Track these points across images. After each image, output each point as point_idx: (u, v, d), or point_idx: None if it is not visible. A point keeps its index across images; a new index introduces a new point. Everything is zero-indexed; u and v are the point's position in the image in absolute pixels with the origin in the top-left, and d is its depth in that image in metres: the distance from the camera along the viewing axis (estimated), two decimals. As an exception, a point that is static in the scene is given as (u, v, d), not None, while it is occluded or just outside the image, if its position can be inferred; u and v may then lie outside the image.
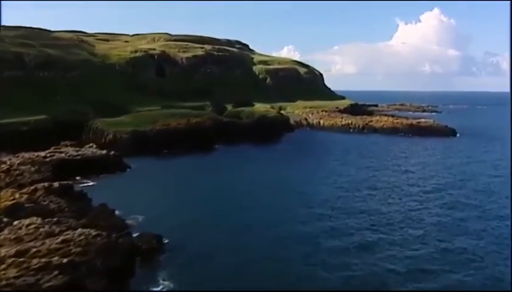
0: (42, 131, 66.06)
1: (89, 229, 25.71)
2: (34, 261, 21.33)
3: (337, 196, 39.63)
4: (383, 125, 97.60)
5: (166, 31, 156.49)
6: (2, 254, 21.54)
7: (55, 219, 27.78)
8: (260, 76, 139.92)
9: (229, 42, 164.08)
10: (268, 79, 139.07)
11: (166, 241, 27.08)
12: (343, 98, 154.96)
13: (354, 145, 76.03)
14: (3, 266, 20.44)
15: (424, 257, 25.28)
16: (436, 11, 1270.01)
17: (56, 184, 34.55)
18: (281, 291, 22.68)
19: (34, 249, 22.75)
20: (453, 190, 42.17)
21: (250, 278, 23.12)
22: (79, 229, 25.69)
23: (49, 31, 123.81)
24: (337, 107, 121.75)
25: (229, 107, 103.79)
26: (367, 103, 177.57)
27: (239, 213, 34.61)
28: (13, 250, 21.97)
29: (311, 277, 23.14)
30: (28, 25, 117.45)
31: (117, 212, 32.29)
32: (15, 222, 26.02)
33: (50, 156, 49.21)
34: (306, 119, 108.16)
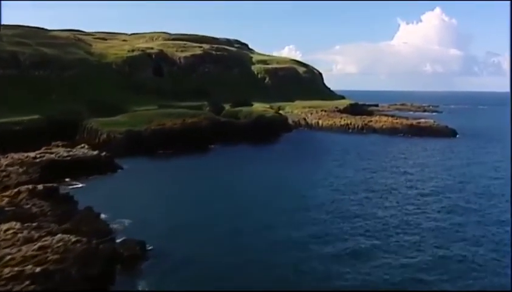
0: (35, 130, 65.04)
1: (69, 235, 24.56)
2: (7, 270, 20.19)
3: (332, 199, 38.43)
4: (382, 125, 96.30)
5: (166, 31, 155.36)
6: (-26, 263, 20.45)
7: (35, 224, 26.64)
8: (259, 75, 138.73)
9: (228, 42, 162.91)
10: (267, 79, 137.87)
11: (150, 247, 25.89)
12: (342, 98, 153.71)
13: (353, 145, 74.80)
14: (-28, 276, 19.34)
15: (420, 266, 24.05)
16: (437, 10, 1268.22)
17: (40, 187, 33.42)
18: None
19: (9, 257, 21.61)
20: (452, 193, 40.91)
21: (236, 286, 21.94)
22: (59, 235, 24.54)
23: (46, 30, 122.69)
24: (336, 107, 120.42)
25: (227, 107, 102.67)
26: (368, 103, 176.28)
27: (231, 217, 33.44)
28: (-15, 258, 20.88)
29: (299, 286, 21.95)
30: (26, 25, 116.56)
31: (102, 216, 31.22)
32: (-8, 228, 24.91)
33: (40, 157, 48.11)
34: (304, 119, 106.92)
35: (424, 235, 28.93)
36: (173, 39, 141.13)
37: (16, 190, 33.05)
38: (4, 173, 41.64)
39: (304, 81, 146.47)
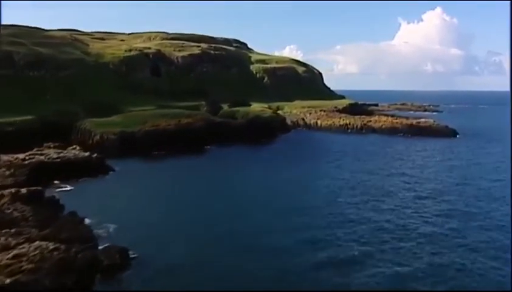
0: (28, 131, 63.94)
1: (47, 242, 23.48)
2: (-24, 281, 19.11)
3: (327, 203, 37.22)
4: (382, 125, 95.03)
5: (165, 31, 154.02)
6: None
7: (13, 230, 25.57)
8: (258, 75, 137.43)
9: (227, 41, 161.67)
10: (266, 79, 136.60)
11: (134, 255, 24.67)
12: (342, 97, 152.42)
13: (351, 146, 73.62)
14: None
15: (416, 274, 22.83)
16: (438, 10, 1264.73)
17: (24, 190, 32.32)
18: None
19: (-19, 267, 20.55)
20: (451, 195, 39.66)
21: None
22: (37, 242, 23.46)
23: (43, 30, 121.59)
24: (335, 107, 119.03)
25: (225, 107, 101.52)
26: (368, 103, 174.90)
27: (223, 222, 32.24)
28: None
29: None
30: (23, 24, 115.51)
31: (87, 221, 30.01)
32: (-33, 235, 23.81)
33: (29, 159, 46.97)
34: (303, 119, 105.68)
35: (421, 240, 27.69)
36: (171, 39, 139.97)
37: (-2, 193, 31.94)
38: (-10, 176, 40.49)
39: (303, 81, 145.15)
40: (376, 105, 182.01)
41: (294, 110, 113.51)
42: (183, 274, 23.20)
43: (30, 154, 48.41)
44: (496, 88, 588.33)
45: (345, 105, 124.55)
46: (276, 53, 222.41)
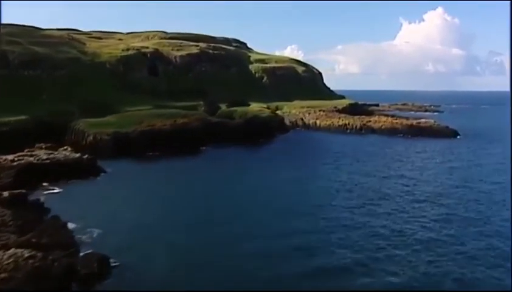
0: (22, 132, 62.96)
1: (23, 249, 22.35)
2: None
3: (322, 206, 36.05)
4: (381, 126, 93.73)
5: (164, 30, 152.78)
6: None
7: (-10, 236, 24.51)
8: (257, 75, 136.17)
9: (226, 41, 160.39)
10: (265, 78, 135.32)
11: (115, 263, 23.50)
12: (342, 97, 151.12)
13: (350, 146, 72.40)
14: None
15: (411, 284, 21.66)
16: (439, 10, 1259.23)
17: (6, 194, 31.26)
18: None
19: (-50, 277, 19.45)
20: (450, 199, 38.42)
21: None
22: (12, 249, 22.35)
23: (40, 29, 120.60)
24: (335, 107, 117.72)
25: (224, 107, 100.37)
26: (368, 103, 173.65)
27: (213, 227, 31.13)
28: None
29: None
30: (20, 24, 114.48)
31: (70, 226, 28.97)
32: None
33: (18, 160, 45.93)
34: (302, 119, 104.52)
35: (417, 247, 26.45)
36: (169, 38, 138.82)
37: (-21, 197, 30.88)
38: (-25, 178, 39.45)
39: (303, 81, 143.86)
40: (377, 105, 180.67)
41: (293, 110, 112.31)
42: (167, 284, 22.04)
43: (19, 155, 47.34)
44: (497, 88, 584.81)
45: (344, 105, 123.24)
46: (278, 53, 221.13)
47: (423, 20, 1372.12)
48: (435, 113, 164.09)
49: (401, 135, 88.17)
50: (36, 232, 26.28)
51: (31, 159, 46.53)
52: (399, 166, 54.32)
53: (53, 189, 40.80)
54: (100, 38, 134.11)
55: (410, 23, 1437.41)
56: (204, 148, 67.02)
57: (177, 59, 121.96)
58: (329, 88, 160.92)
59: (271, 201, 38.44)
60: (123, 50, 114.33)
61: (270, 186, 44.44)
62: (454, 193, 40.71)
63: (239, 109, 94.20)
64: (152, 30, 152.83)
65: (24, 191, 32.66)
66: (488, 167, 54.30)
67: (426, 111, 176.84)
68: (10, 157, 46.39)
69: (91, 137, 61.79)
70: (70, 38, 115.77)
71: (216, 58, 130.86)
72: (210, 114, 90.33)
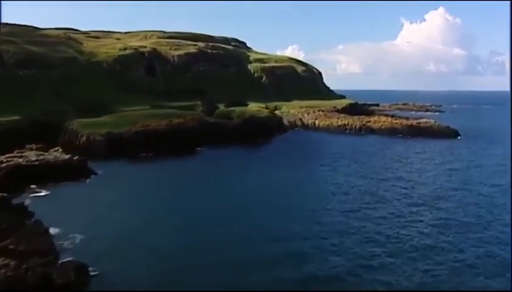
0: (15, 132, 61.87)
1: (-3, 258, 21.25)
2: None
3: (317, 210, 34.86)
4: (381, 126, 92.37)
5: (163, 30, 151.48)
6: None
7: (-35, 243, 23.39)
8: (256, 74, 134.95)
9: (225, 40, 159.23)
10: (264, 78, 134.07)
11: (94, 272, 22.36)
12: (343, 97, 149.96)
13: (348, 147, 71.15)
14: None
15: (405, 296, 20.52)
16: (441, 10, 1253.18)
17: (-14, 197, 30.17)
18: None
19: None
20: (449, 202, 37.16)
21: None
22: (-15, 258, 21.25)
23: (37, 28, 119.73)
24: (334, 107, 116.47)
25: (222, 106, 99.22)
26: (369, 103, 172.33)
27: (203, 232, 30.04)
28: None
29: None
30: (17, 23, 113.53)
31: (52, 231, 27.87)
32: None
33: (7, 162, 44.84)
34: (301, 119, 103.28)
35: (413, 255, 25.22)
36: (168, 37, 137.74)
37: (-41, 201, 29.80)
38: (-40, 180, 38.34)
39: (303, 81, 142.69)
40: (377, 105, 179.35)
41: (292, 110, 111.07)
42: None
43: (8, 157, 46.28)
44: (499, 88, 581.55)
45: (344, 105, 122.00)
46: (279, 53, 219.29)
47: (424, 20, 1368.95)
48: (436, 113, 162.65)
49: (401, 135, 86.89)
50: (14, 238, 25.14)
51: (20, 160, 45.47)
52: (397, 168, 53.10)
53: (41, 192, 39.70)
54: (97, 38, 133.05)
55: (411, 23, 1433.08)
56: (199, 148, 65.90)
57: (175, 58, 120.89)
58: (328, 88, 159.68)
59: (264, 204, 37.26)
60: (120, 50, 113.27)
61: (264, 189, 43.22)
62: (453, 196, 39.46)
63: (237, 109, 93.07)
64: (152, 29, 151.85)
65: (6, 195, 31.49)
66: (489, 168, 53.04)
67: (427, 110, 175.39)
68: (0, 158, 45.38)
69: (84, 138, 60.65)
70: (67, 37, 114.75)
71: (214, 58, 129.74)
72: (207, 114, 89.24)
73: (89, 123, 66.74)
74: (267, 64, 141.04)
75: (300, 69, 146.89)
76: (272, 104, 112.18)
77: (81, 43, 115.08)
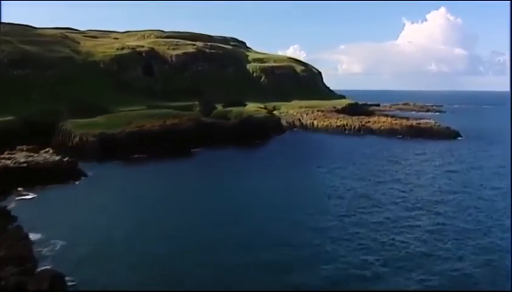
0: (8, 133, 60.77)
1: (-32, 267, 20.15)
2: None
3: (309, 215, 33.64)
4: (380, 127, 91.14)
5: (162, 29, 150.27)
6: None
7: None
8: (254, 74, 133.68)
9: (224, 40, 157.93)
10: (263, 78, 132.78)
11: (72, 282, 21.22)
12: (343, 97, 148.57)
13: (346, 148, 69.96)
14: None
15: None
16: (442, 10, 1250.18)
17: (-33, 201, 29.07)
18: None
19: None
20: (448, 206, 35.92)
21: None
22: (-45, 267, 20.15)
23: (33, 28, 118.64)
24: (334, 107, 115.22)
25: (220, 107, 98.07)
26: (369, 103, 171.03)
27: (189, 237, 28.97)
28: None
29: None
30: (16, 22, 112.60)
31: (34, 236, 26.80)
32: None
33: (-5, 163, 43.76)
34: (299, 120, 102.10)
35: (408, 263, 24.01)
36: (166, 37, 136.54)
37: None
38: None
39: (302, 80, 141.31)
40: (378, 105, 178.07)
41: (290, 110, 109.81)
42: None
43: (-3, 158, 45.22)
44: (500, 88, 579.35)
45: (344, 105, 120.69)
46: (280, 53, 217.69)
47: (426, 20, 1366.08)
48: (437, 113, 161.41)
49: (401, 136, 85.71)
50: (-8, 245, 24.08)
51: (9, 162, 44.38)
52: (395, 170, 51.91)
53: (27, 195, 38.62)
54: (95, 37, 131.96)
55: (412, 23, 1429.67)
56: (195, 150, 64.79)
57: (173, 58, 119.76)
58: (328, 88, 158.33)
59: (257, 209, 36.09)
60: (117, 49, 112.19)
61: (258, 193, 42.01)
62: (452, 199, 38.25)
63: (235, 109, 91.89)
64: (150, 29, 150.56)
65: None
66: (489, 170, 51.85)
67: (428, 111, 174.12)
68: (-13, 160, 44.30)
69: (77, 139, 59.60)
70: (63, 36, 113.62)
71: (213, 57, 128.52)
72: (205, 114, 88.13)
73: (83, 123, 65.66)
74: (266, 64, 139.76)
75: (299, 68, 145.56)
76: (270, 105, 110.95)
77: (78, 42, 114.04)
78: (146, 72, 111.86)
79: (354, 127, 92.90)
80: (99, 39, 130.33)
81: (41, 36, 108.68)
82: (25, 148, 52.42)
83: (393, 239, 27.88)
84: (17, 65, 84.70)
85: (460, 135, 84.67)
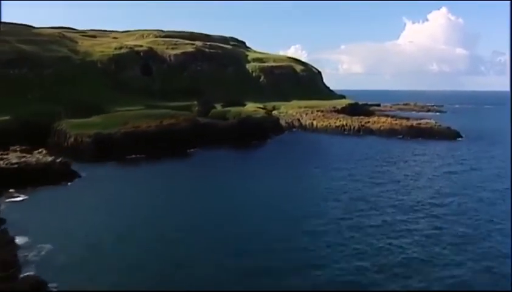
0: (4, 133, 60.09)
1: None
2: None
3: (304, 218, 32.78)
4: (380, 127, 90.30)
5: (161, 29, 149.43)
6: None
7: None
8: (254, 74, 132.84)
9: (224, 39, 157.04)
10: (262, 78, 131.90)
11: (54, 289, 20.47)
12: (343, 97, 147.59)
13: (345, 149, 69.16)
14: None
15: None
16: (443, 10, 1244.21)
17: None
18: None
19: None
20: (447, 209, 35.10)
21: None
22: None
23: (31, 27, 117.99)
24: (334, 107, 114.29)
25: (219, 107, 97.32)
26: (370, 103, 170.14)
27: (182, 241, 28.17)
28: None
29: None
30: (14, 22, 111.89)
31: (20, 240, 26.14)
32: None
33: (-14, 164, 43.03)
34: (298, 120, 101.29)
35: (405, 271, 23.13)
36: (164, 37, 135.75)
37: None
38: None
39: (302, 80, 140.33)
40: (378, 105, 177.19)
41: (290, 110, 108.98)
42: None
43: (-12, 159, 44.49)
44: (501, 88, 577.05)
45: (344, 105, 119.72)
46: (281, 53, 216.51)
47: (427, 20, 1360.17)
48: (437, 113, 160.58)
49: (401, 136, 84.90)
50: (-25, 250, 23.38)
51: (0, 162, 43.66)
52: (394, 172, 51.11)
53: (18, 196, 37.87)
54: (94, 37, 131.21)
55: (413, 23, 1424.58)
56: (191, 150, 64.07)
57: (172, 58, 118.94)
58: (328, 88, 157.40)
59: (253, 211, 35.32)
60: (115, 49, 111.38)
61: (254, 194, 41.22)
62: (451, 202, 37.42)
63: (233, 109, 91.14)
64: (150, 28, 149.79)
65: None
66: (489, 172, 51.06)
67: (429, 111, 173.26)
68: (-22, 161, 43.59)
69: (72, 139, 58.88)
70: (61, 36, 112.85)
71: (212, 57, 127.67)
72: (203, 114, 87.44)
73: (79, 123, 64.98)
74: (265, 64, 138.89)
75: (299, 68, 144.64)
76: (270, 104, 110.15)
77: (76, 42, 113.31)
78: (144, 72, 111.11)
79: (354, 127, 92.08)
80: (97, 38, 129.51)
81: (39, 35, 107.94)
82: (18, 149, 51.82)
83: (390, 244, 27.06)
84: (14, 64, 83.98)
85: (461, 136, 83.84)
